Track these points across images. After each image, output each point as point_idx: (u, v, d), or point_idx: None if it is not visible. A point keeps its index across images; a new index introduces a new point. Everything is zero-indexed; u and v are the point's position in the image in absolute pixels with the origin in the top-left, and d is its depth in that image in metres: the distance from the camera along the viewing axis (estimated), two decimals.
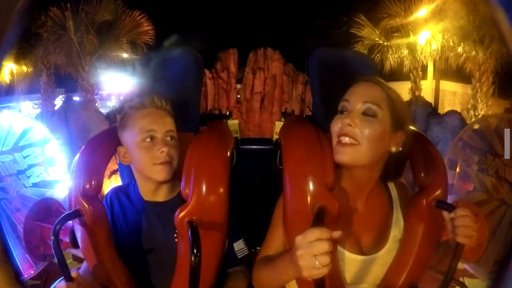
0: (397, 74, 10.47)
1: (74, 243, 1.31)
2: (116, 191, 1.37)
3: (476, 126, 3.19)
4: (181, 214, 1.13)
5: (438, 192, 1.18)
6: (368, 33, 10.32)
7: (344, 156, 1.09)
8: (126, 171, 1.46)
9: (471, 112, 9.15)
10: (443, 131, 5.47)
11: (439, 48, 9.75)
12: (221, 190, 1.17)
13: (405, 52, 10.31)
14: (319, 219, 0.97)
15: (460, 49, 9.29)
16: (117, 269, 1.23)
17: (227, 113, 1.75)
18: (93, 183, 1.23)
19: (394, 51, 10.38)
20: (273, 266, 1.11)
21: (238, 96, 10.14)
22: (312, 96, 1.50)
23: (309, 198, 1.10)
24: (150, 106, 1.27)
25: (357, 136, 1.07)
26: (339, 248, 1.14)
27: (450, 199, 1.23)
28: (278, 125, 1.55)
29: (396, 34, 10.28)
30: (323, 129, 1.25)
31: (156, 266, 1.27)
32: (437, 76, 11.43)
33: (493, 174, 2.78)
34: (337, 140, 1.11)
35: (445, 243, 1.18)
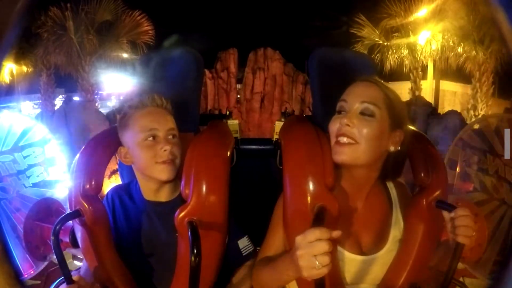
0: (397, 74, 10.47)
1: (74, 243, 1.31)
2: (117, 190, 1.36)
3: (476, 126, 3.19)
4: (181, 214, 1.13)
5: (438, 192, 1.18)
6: (368, 33, 10.32)
7: (343, 156, 1.09)
8: (126, 171, 1.47)
9: (471, 112, 9.15)
10: (443, 131, 5.47)
11: (439, 48, 9.75)
12: (221, 190, 1.17)
13: (405, 52, 10.31)
14: (319, 219, 0.97)
15: (460, 49, 9.29)
16: (117, 269, 1.23)
17: (227, 113, 1.75)
18: (93, 183, 1.23)
19: (394, 51, 10.38)
20: (273, 267, 1.11)
21: (238, 96, 10.14)
22: (312, 96, 1.50)
23: (309, 198, 1.10)
24: (150, 105, 1.26)
25: (355, 136, 1.08)
26: (339, 248, 1.14)
27: (450, 199, 1.23)
28: (278, 125, 1.55)
29: (396, 34, 10.28)
30: (323, 129, 1.25)
31: (157, 266, 1.27)
32: (437, 76, 11.43)
33: (493, 174, 2.78)
34: (335, 140, 1.11)
35: (445, 243, 1.18)
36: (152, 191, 1.29)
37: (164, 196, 1.30)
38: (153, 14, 10.42)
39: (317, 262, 0.86)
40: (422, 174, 1.21)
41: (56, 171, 3.07)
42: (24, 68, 10.69)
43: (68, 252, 1.41)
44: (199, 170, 1.18)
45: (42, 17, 9.32)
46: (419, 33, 9.96)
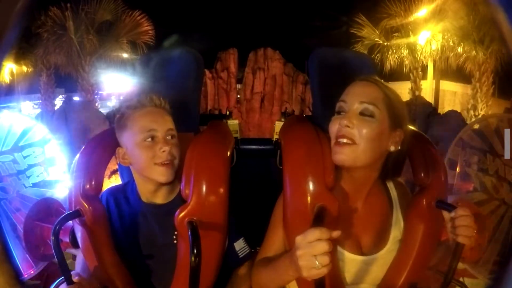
0: (397, 74, 10.48)
1: (74, 243, 1.31)
2: (112, 191, 1.34)
3: (476, 126, 3.18)
4: (181, 214, 1.13)
5: (438, 192, 1.18)
6: (368, 33, 10.33)
7: (343, 156, 1.09)
8: (126, 171, 1.46)
9: (471, 112, 9.16)
10: (443, 131, 5.47)
11: (439, 48, 9.77)
12: (221, 190, 1.17)
13: (405, 52, 10.33)
14: (319, 219, 0.97)
15: (460, 49, 9.30)
16: (117, 269, 1.23)
17: (227, 113, 1.75)
18: (93, 183, 1.23)
19: (394, 51, 10.40)
20: (273, 267, 1.11)
21: (238, 96, 10.15)
22: (312, 96, 1.50)
23: (309, 198, 1.10)
24: (149, 105, 1.24)
25: (355, 137, 1.07)
26: (339, 248, 1.14)
27: (450, 199, 1.23)
28: (278, 125, 1.55)
29: (396, 34, 10.29)
30: (323, 129, 1.25)
31: (156, 267, 1.26)
32: (437, 76, 11.45)
33: (493, 174, 2.78)
34: (335, 141, 1.11)
35: (445, 243, 1.18)
36: (150, 192, 1.27)
37: (161, 198, 1.28)
38: (153, 14, 10.44)
39: (317, 262, 0.86)
40: (422, 174, 1.21)
41: (56, 171, 3.06)
42: (24, 68, 10.70)
43: (68, 252, 1.41)
44: (199, 170, 1.18)
45: (42, 17, 9.34)
46: (419, 33, 9.98)
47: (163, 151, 1.19)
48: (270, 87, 10.09)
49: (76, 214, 1.18)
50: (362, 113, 1.08)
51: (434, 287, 1.14)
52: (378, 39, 10.38)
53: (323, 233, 0.87)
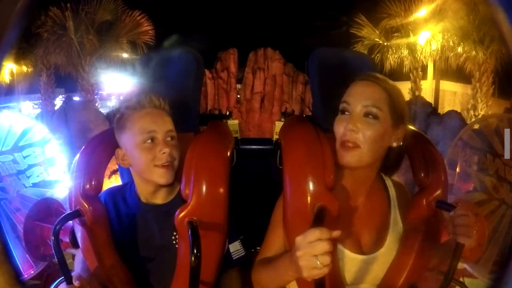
0: (397, 74, 10.46)
1: (74, 243, 1.31)
2: (110, 193, 1.33)
3: (476, 126, 3.19)
4: (181, 214, 1.13)
5: (438, 192, 1.18)
6: (368, 33, 10.32)
7: (348, 158, 1.10)
8: (126, 171, 1.46)
9: (471, 112, 9.15)
10: (443, 131, 5.47)
11: (439, 48, 9.76)
12: (221, 190, 1.17)
13: (405, 52, 10.31)
14: (319, 219, 0.97)
15: (460, 49, 9.29)
16: (117, 269, 1.23)
17: (227, 113, 1.75)
18: (93, 183, 1.23)
19: (394, 51, 10.38)
20: (273, 267, 1.11)
21: (238, 96, 10.14)
22: (312, 96, 1.50)
23: (309, 198, 1.10)
24: (148, 106, 1.23)
25: (359, 140, 1.08)
26: (340, 247, 1.14)
27: (450, 199, 1.23)
28: (278, 125, 1.55)
29: (396, 34, 10.28)
30: (323, 129, 1.25)
31: (155, 268, 1.26)
32: (437, 76, 11.44)
33: (493, 174, 2.78)
34: (340, 143, 1.12)
35: (445, 243, 1.18)
36: (149, 193, 1.27)
37: (160, 198, 1.28)
38: (153, 14, 10.44)
39: (318, 262, 0.85)
40: (422, 174, 1.22)
41: (56, 171, 3.07)
42: (24, 68, 10.69)
43: (68, 252, 1.41)
44: (199, 170, 1.18)
45: (42, 17, 9.33)
46: (419, 33, 9.97)
47: (163, 153, 1.19)
48: (270, 87, 10.09)
49: (76, 214, 1.18)
50: (366, 115, 1.09)
51: (434, 287, 1.13)
52: (378, 39, 10.37)
53: (323, 233, 0.87)
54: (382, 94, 1.11)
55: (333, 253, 1.05)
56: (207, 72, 9.68)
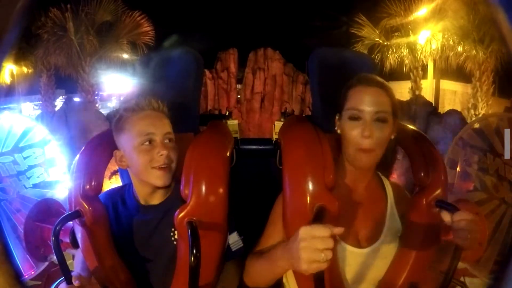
0: (397, 74, 10.47)
1: (74, 244, 1.31)
2: (109, 195, 1.33)
3: (477, 125, 3.19)
4: (180, 214, 1.12)
5: (438, 192, 1.18)
6: (368, 33, 10.33)
7: (365, 161, 1.15)
8: (126, 172, 1.46)
9: (472, 111, 9.15)
10: (444, 130, 5.47)
11: (439, 48, 9.76)
12: (221, 190, 1.17)
13: (405, 51, 10.31)
14: (318, 219, 0.98)
15: (460, 48, 9.29)
16: (117, 269, 1.23)
17: (227, 113, 1.75)
18: (93, 183, 1.23)
19: (394, 50, 10.39)
20: (265, 257, 1.12)
21: (238, 96, 10.15)
22: (312, 96, 1.50)
23: (308, 198, 1.10)
24: (147, 108, 1.23)
25: (375, 145, 1.13)
26: (341, 241, 1.15)
27: (450, 199, 1.23)
28: (278, 125, 1.55)
29: (396, 33, 10.28)
30: (323, 129, 1.25)
31: (155, 269, 1.26)
32: (437, 76, 11.44)
33: (493, 173, 2.78)
34: (356, 149, 1.14)
35: (445, 242, 1.18)
36: (147, 194, 1.27)
37: (157, 198, 1.28)
38: (153, 14, 10.44)
39: (322, 255, 0.86)
40: (422, 174, 1.22)
41: (56, 172, 3.07)
42: (24, 69, 10.70)
43: (68, 253, 1.41)
44: (199, 170, 1.18)
45: (42, 18, 9.33)
46: (419, 32, 9.97)
47: (161, 155, 1.19)
48: (270, 87, 10.10)
49: (76, 214, 1.18)
50: (377, 120, 1.14)
51: (434, 287, 1.13)
52: (378, 39, 10.37)
53: (327, 231, 0.88)
54: (386, 98, 1.16)
55: (334, 249, 1.06)
56: (207, 72, 9.70)
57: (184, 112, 1.43)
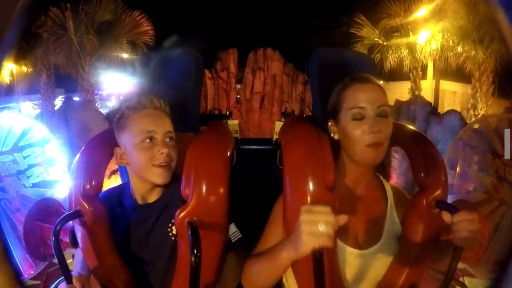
0: (397, 74, 10.48)
1: (74, 243, 1.31)
2: (106, 196, 1.33)
3: (476, 126, 3.19)
4: (181, 214, 1.12)
5: (438, 192, 1.18)
6: (368, 33, 10.33)
7: (375, 157, 1.15)
8: (126, 171, 1.46)
9: (471, 111, 9.15)
10: (443, 130, 5.47)
11: (439, 48, 9.76)
12: (221, 190, 1.17)
13: (405, 52, 10.31)
14: None
15: (459, 49, 9.29)
16: (117, 269, 1.23)
17: (227, 113, 1.75)
18: (93, 183, 1.23)
19: (394, 50, 10.39)
20: (266, 255, 1.11)
21: (238, 96, 10.15)
22: (312, 96, 1.50)
23: (309, 198, 1.10)
24: (149, 106, 1.24)
25: (382, 139, 1.14)
26: (340, 242, 1.15)
27: (450, 199, 1.24)
28: (278, 125, 1.55)
29: (395, 33, 10.29)
30: (323, 129, 1.25)
31: (154, 269, 1.25)
32: (437, 76, 11.44)
33: (493, 174, 2.79)
34: (366, 145, 1.14)
35: (445, 242, 1.18)
36: (145, 192, 1.27)
37: (154, 196, 1.28)
38: (153, 14, 10.44)
39: (319, 227, 0.86)
40: (422, 174, 1.22)
41: (56, 171, 3.07)
42: (24, 68, 10.69)
43: (68, 252, 1.41)
44: (199, 170, 1.18)
45: (42, 17, 9.32)
46: (418, 32, 9.97)
47: (161, 153, 1.20)
48: (270, 87, 10.10)
49: (76, 214, 1.18)
50: (380, 115, 1.14)
51: (434, 287, 1.13)
52: (377, 39, 10.38)
53: (327, 207, 0.89)
54: (382, 93, 1.18)
55: (333, 247, 1.08)
56: (207, 72, 9.69)
57: (184, 112, 1.43)
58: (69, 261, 1.20)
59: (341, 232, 1.14)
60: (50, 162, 3.06)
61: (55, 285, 1.10)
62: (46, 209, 2.51)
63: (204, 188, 1.15)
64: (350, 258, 1.17)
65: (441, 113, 6.36)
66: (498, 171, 2.74)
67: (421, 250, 1.17)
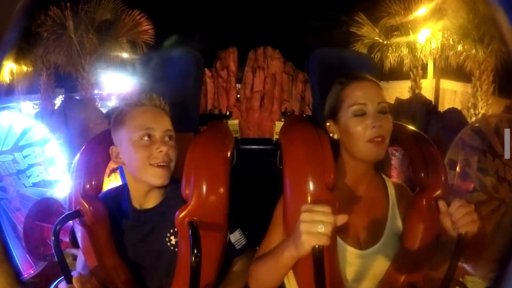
0: (397, 73, 10.48)
1: (74, 243, 1.30)
2: (106, 196, 1.30)
3: (476, 126, 3.18)
4: (181, 214, 1.12)
5: (438, 192, 1.18)
6: (368, 32, 10.32)
7: (378, 152, 1.16)
8: None
9: (471, 110, 9.15)
10: (444, 128, 5.46)
11: (439, 47, 9.75)
12: (221, 190, 1.17)
13: (405, 50, 10.30)
14: None
15: (460, 48, 9.28)
16: (117, 269, 1.23)
17: (227, 113, 1.75)
18: (93, 183, 1.23)
19: (394, 49, 10.38)
20: (270, 255, 1.12)
21: (238, 96, 10.15)
22: (312, 96, 1.51)
23: (309, 198, 1.10)
24: (148, 104, 1.21)
25: (384, 134, 1.15)
26: (340, 241, 1.16)
27: (449, 199, 1.24)
28: (278, 125, 1.55)
29: (395, 32, 10.28)
30: (323, 129, 1.25)
31: (153, 272, 1.24)
32: (437, 75, 11.43)
33: (493, 174, 2.78)
34: (368, 140, 1.15)
35: (445, 243, 1.18)
36: (142, 195, 1.23)
37: (152, 201, 1.25)
38: (153, 13, 10.44)
39: (320, 226, 0.87)
40: (422, 174, 1.22)
41: (56, 170, 3.07)
42: (24, 68, 10.68)
43: (68, 252, 1.41)
44: (199, 170, 1.17)
45: (42, 17, 9.32)
46: (418, 31, 9.97)
47: (160, 151, 1.16)
48: (270, 85, 10.10)
49: (77, 214, 1.18)
50: (380, 112, 1.16)
51: (434, 287, 1.14)
52: (378, 38, 10.37)
53: (327, 206, 0.91)
54: (381, 89, 1.20)
55: (334, 246, 1.09)
56: (207, 70, 9.69)
57: (184, 112, 1.43)
58: (68, 260, 1.19)
59: (341, 232, 1.15)
60: (50, 161, 3.06)
61: (55, 285, 1.09)
62: (46, 209, 2.51)
63: (204, 188, 1.14)
64: (351, 258, 1.17)
65: (442, 111, 6.36)
66: (498, 171, 2.74)
67: (421, 250, 1.17)
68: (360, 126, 1.15)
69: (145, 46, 10.31)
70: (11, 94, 10.55)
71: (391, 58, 10.36)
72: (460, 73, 9.96)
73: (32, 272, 2.64)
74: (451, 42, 9.47)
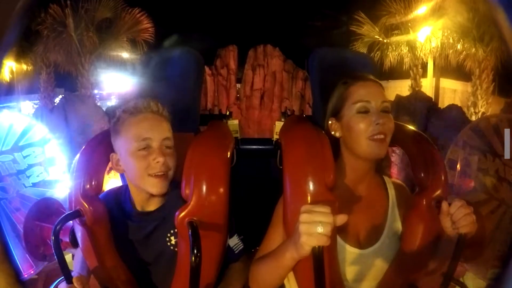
0: (397, 72, 10.46)
1: (74, 243, 1.31)
2: (105, 198, 1.29)
3: (476, 126, 3.17)
4: (181, 214, 1.12)
5: (438, 192, 1.19)
6: (368, 31, 10.30)
7: (379, 150, 1.17)
8: None
9: (471, 109, 9.14)
10: (444, 126, 5.44)
11: (439, 45, 9.74)
12: (221, 190, 1.17)
13: (405, 49, 10.29)
14: None
15: (459, 46, 9.27)
16: (117, 269, 1.23)
17: (227, 113, 1.75)
18: (93, 183, 1.23)
19: (394, 48, 10.37)
20: (270, 255, 1.12)
21: (238, 95, 10.15)
22: (312, 96, 1.51)
23: (309, 198, 1.10)
24: (145, 111, 1.20)
25: (386, 132, 1.16)
26: (340, 241, 1.16)
27: (449, 199, 1.24)
28: (278, 125, 1.55)
29: (395, 31, 10.26)
30: (323, 128, 1.25)
31: (152, 272, 1.25)
32: (437, 74, 11.42)
33: (493, 174, 2.78)
34: (369, 137, 1.16)
35: (444, 243, 1.18)
36: (143, 200, 1.24)
37: (154, 205, 1.25)
38: (153, 11, 10.42)
39: (318, 228, 0.88)
40: (422, 174, 1.22)
41: (56, 171, 3.07)
42: (24, 66, 10.67)
43: (68, 252, 1.41)
44: (199, 170, 1.17)
45: (42, 15, 9.30)
46: (418, 30, 9.95)
47: (157, 162, 1.16)
48: (270, 83, 10.10)
49: (77, 214, 1.18)
50: (383, 110, 1.18)
51: (434, 287, 1.14)
52: (377, 37, 10.35)
53: (327, 207, 0.92)
54: (383, 90, 1.22)
55: (334, 246, 1.10)
56: (206, 68, 9.68)
57: (184, 112, 1.42)
58: (68, 260, 1.20)
59: (341, 231, 1.15)
60: (50, 162, 3.06)
61: (55, 285, 1.09)
62: (46, 209, 2.51)
63: (204, 188, 1.14)
64: (351, 257, 1.17)
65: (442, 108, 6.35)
66: (498, 171, 2.74)
67: (421, 250, 1.17)
68: (363, 123, 1.16)
69: (145, 44, 10.29)
70: (11, 94, 10.55)
71: (391, 57, 10.34)
72: (460, 72, 9.94)
73: (32, 272, 2.64)
74: (451, 40, 9.46)
